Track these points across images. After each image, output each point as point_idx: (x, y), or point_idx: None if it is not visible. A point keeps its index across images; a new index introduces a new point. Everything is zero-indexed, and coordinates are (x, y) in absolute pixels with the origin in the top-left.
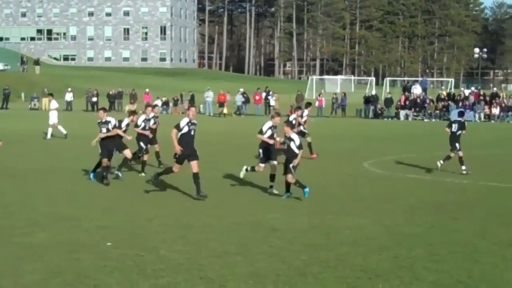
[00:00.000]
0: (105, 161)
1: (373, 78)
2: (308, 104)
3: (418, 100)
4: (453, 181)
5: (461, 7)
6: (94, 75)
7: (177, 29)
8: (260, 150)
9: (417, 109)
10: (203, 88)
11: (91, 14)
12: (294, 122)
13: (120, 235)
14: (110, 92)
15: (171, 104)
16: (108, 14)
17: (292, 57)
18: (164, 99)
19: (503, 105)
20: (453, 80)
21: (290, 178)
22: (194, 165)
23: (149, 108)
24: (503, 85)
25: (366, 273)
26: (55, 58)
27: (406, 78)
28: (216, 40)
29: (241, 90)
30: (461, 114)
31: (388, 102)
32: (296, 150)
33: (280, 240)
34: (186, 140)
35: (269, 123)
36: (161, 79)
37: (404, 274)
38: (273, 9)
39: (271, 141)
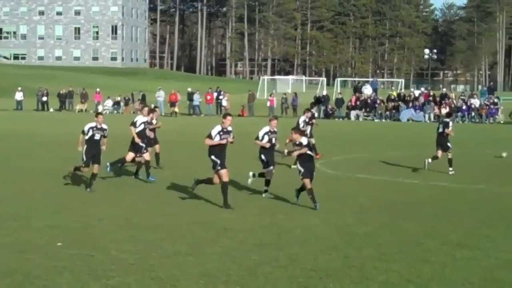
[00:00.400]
0: (85, 169)
1: (324, 79)
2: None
3: (369, 101)
4: (403, 181)
5: (411, 8)
6: (44, 74)
7: (128, 28)
8: (263, 156)
9: (368, 109)
10: (155, 88)
11: (41, 13)
12: (302, 125)
13: (70, 235)
14: (61, 92)
15: (122, 104)
16: (59, 13)
17: (243, 57)
18: (118, 98)
19: (452, 105)
20: (403, 80)
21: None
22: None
23: (146, 109)
24: (452, 86)
25: (316, 273)
26: (5, 57)
27: (357, 79)
28: (167, 40)
29: (190, 89)
30: (448, 115)
31: (339, 102)
32: (310, 152)
33: (231, 240)
34: (217, 148)
35: (265, 129)
36: (112, 79)
37: (354, 273)
38: (224, 9)
39: (267, 145)
